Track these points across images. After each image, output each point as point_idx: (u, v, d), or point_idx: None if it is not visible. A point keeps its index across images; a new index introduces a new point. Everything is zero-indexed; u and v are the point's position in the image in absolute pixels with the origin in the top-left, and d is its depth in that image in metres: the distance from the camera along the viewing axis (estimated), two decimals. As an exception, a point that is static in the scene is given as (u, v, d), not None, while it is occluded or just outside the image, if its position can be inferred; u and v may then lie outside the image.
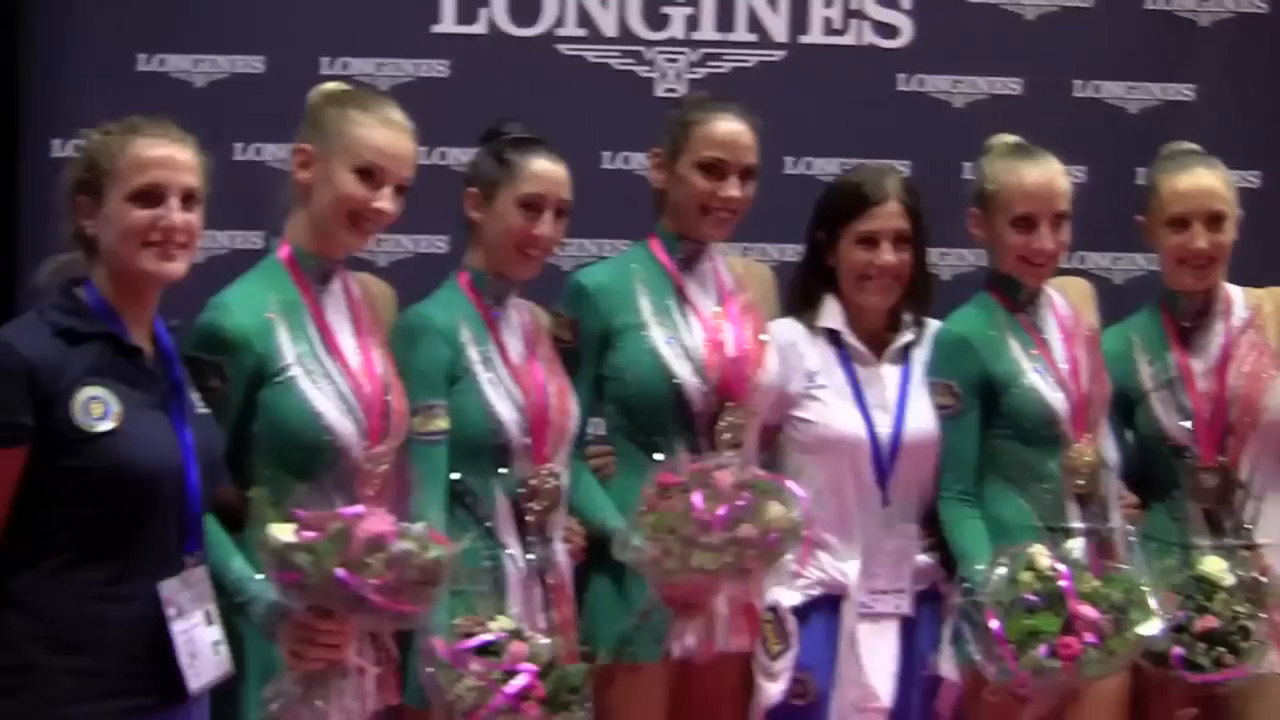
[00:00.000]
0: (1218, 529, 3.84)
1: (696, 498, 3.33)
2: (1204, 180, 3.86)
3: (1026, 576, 3.42)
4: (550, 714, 3.17)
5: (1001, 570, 3.46)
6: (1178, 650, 3.55)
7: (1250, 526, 3.85)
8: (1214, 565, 3.66)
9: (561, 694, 3.20)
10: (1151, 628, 3.42)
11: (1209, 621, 3.56)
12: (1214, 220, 3.84)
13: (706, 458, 3.47)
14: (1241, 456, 3.86)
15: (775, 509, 3.39)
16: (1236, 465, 3.86)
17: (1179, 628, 3.57)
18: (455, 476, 3.45)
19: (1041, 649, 3.34)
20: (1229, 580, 3.63)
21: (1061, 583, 3.40)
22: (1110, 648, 3.37)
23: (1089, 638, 3.35)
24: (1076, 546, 3.66)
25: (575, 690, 3.23)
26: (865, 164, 4.01)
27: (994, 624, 3.39)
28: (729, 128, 3.74)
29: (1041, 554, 3.47)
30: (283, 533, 2.88)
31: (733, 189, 3.72)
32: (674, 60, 4.40)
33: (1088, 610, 3.37)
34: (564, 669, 3.24)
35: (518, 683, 3.13)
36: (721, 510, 3.32)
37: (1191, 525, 3.84)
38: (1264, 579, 3.69)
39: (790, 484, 3.47)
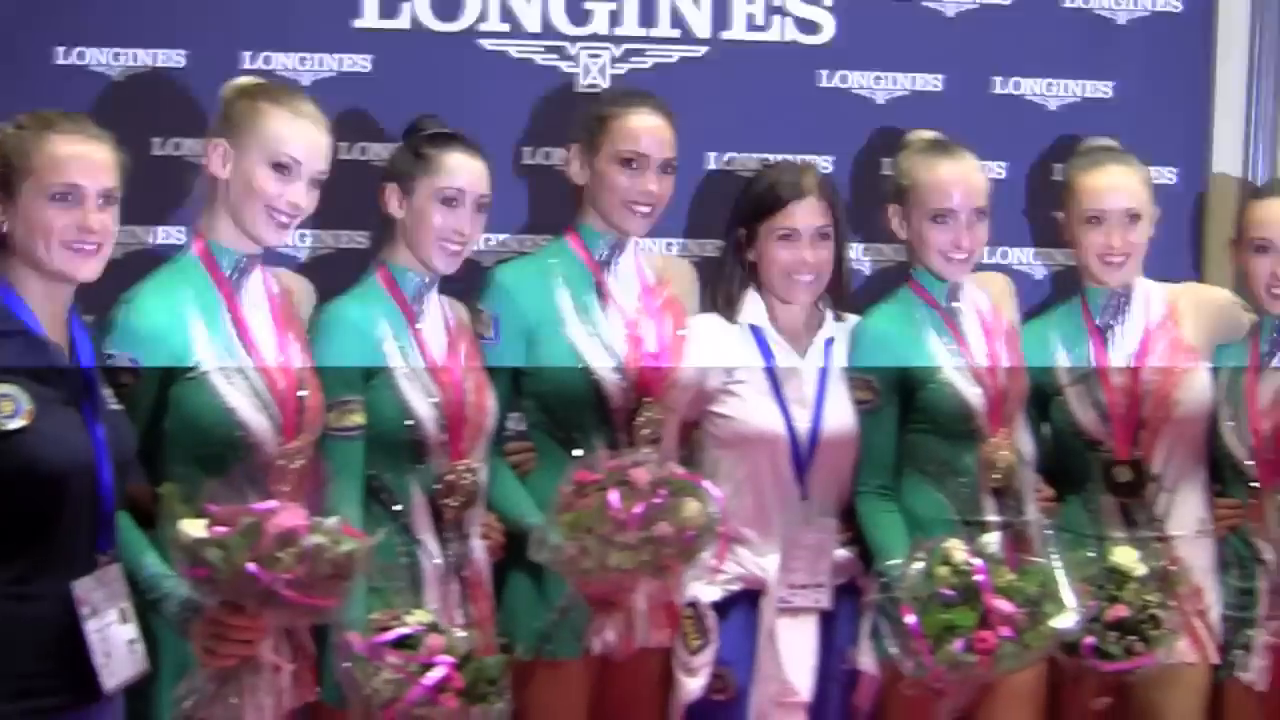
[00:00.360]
0: (1131, 521, 3.87)
1: (613, 496, 3.32)
2: (1121, 178, 3.89)
3: (942, 571, 3.44)
4: (468, 705, 3.16)
5: (918, 565, 3.48)
6: (1089, 640, 3.56)
7: (1163, 519, 3.89)
8: (1125, 556, 3.68)
9: (479, 685, 3.19)
10: (1066, 620, 3.45)
11: (1119, 611, 3.58)
12: (1130, 218, 3.87)
13: (624, 455, 3.45)
14: (1155, 450, 3.89)
15: (692, 506, 3.38)
16: (1150, 459, 3.89)
17: (1091, 618, 3.60)
18: (371, 472, 3.44)
19: (958, 644, 3.36)
20: (1140, 570, 3.65)
21: (977, 577, 3.41)
22: (1026, 641, 3.39)
23: (1005, 632, 3.37)
24: (992, 540, 3.68)
25: (493, 681, 3.23)
26: (784, 160, 4.01)
27: (910, 619, 3.41)
28: (648, 122, 3.75)
29: (957, 548, 3.48)
30: (194, 528, 2.87)
31: (651, 183, 3.72)
32: (597, 56, 4.38)
33: (1003, 604, 3.38)
34: (481, 660, 3.23)
35: (435, 674, 3.11)
36: (638, 508, 3.31)
37: (1106, 518, 3.87)
38: (1174, 568, 3.73)
39: (706, 482, 3.46)
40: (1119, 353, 3.94)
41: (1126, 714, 3.92)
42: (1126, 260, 3.89)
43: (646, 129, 3.74)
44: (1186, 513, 3.91)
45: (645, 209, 3.74)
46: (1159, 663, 3.63)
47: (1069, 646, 3.55)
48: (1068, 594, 3.50)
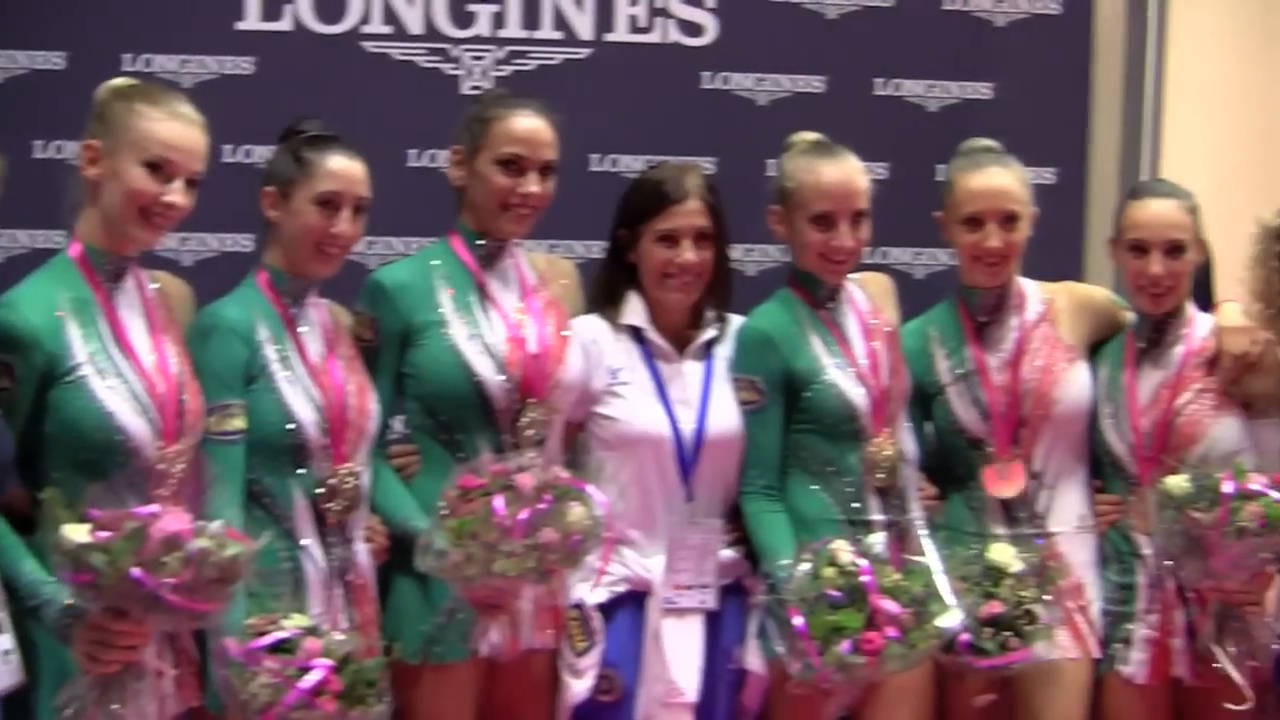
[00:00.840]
0: (1013, 518, 3.92)
1: (498, 502, 3.31)
2: (998, 180, 3.92)
3: (829, 572, 3.46)
4: (347, 708, 3.14)
5: (804, 566, 3.50)
6: (964, 636, 3.59)
7: (1044, 516, 3.93)
8: (1001, 553, 3.72)
9: (358, 687, 3.17)
10: (951, 619, 3.48)
11: (994, 607, 3.61)
12: (1008, 219, 3.90)
13: (509, 459, 3.44)
14: (1035, 448, 3.93)
15: (577, 511, 3.38)
16: (1030, 456, 3.94)
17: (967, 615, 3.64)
18: (252, 477, 3.42)
19: (845, 645, 3.37)
20: (1016, 567, 3.69)
21: (863, 578, 3.43)
22: (912, 641, 3.42)
23: (891, 632, 3.39)
24: (878, 541, 3.70)
25: (372, 684, 3.21)
26: (667, 162, 4.00)
27: (798, 620, 3.42)
28: (528, 124, 3.74)
29: (843, 549, 3.50)
30: (77, 533, 2.84)
31: (532, 185, 3.71)
32: (480, 58, 4.39)
33: (889, 605, 3.41)
34: (360, 663, 3.21)
35: (312, 678, 3.09)
36: (523, 515, 3.30)
37: (987, 515, 3.91)
38: (1053, 563, 3.77)
39: (590, 487, 3.45)
40: (998, 352, 3.98)
41: (1010, 710, 3.97)
42: (1004, 261, 3.93)
43: (528, 131, 3.73)
44: (1067, 509, 3.96)
45: (526, 210, 3.73)
46: (1034, 658, 3.66)
47: (946, 644, 3.58)
48: (948, 593, 3.54)
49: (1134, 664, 3.91)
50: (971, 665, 3.61)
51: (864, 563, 3.47)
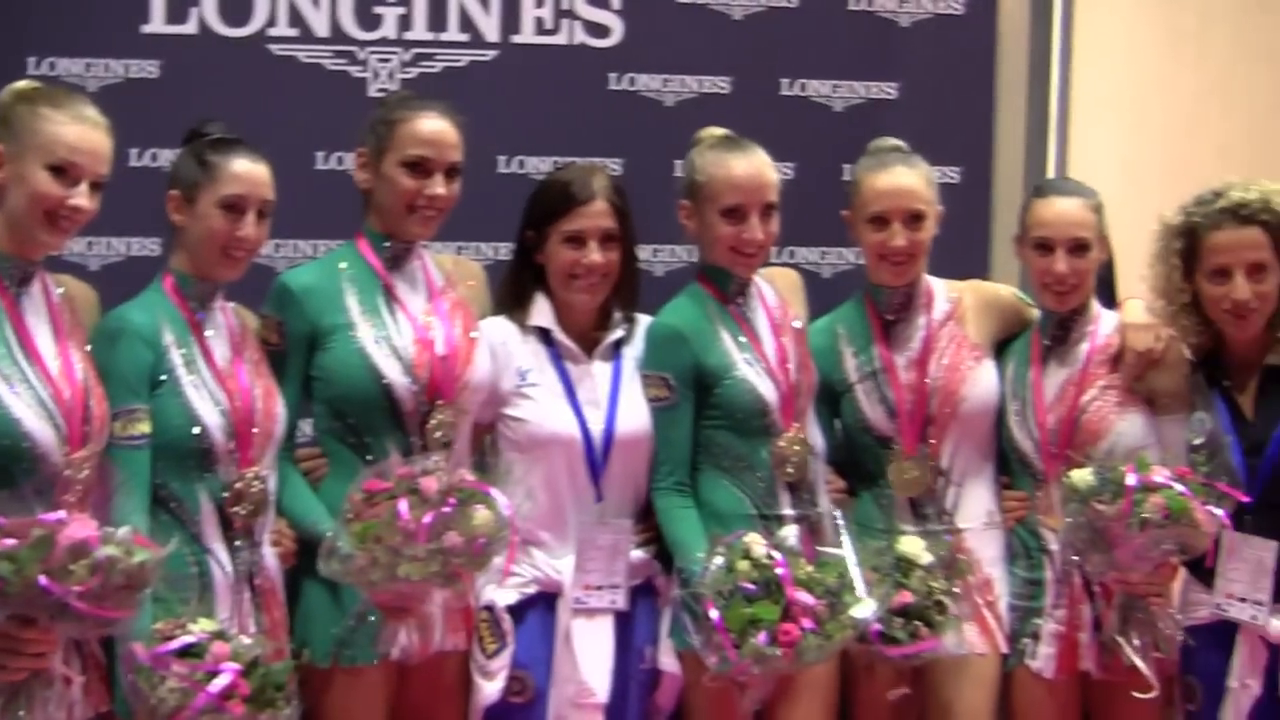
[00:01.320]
0: (921, 515, 3.95)
1: (403, 505, 3.31)
2: (904, 180, 3.95)
3: (743, 565, 3.47)
4: (255, 712, 3.14)
5: (719, 560, 3.51)
6: (875, 626, 3.61)
7: (952, 512, 3.97)
8: (911, 545, 3.75)
9: (267, 691, 3.17)
10: (864, 610, 3.50)
11: (905, 597, 3.65)
12: (913, 219, 3.93)
13: (414, 461, 3.44)
14: (943, 446, 3.97)
15: (481, 514, 3.38)
16: (938, 454, 3.97)
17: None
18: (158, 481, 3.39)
19: (761, 636, 3.38)
20: (926, 559, 3.72)
21: (778, 570, 3.45)
22: (828, 632, 3.43)
23: (806, 623, 3.40)
24: (791, 534, 3.71)
25: (280, 687, 3.20)
26: (574, 163, 4.02)
27: (713, 614, 3.43)
28: (433, 126, 3.73)
29: (757, 543, 3.52)
30: (-18, 542, 2.83)
31: (438, 187, 3.71)
32: (386, 60, 4.39)
33: (804, 596, 3.43)
34: (268, 666, 3.20)
35: (220, 682, 3.09)
36: (427, 518, 3.30)
37: (896, 512, 3.93)
38: (962, 556, 3.82)
39: (494, 490, 3.45)
40: (905, 350, 4.01)
41: (921, 705, 4.01)
42: (910, 260, 3.96)
43: (433, 133, 3.72)
44: (975, 506, 4.00)
45: (432, 212, 3.73)
46: (944, 648, 3.69)
47: (858, 634, 3.60)
48: (859, 582, 3.56)
49: (1042, 658, 3.95)
50: (883, 654, 3.63)
51: (778, 555, 3.49)
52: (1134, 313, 4.02)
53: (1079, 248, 3.92)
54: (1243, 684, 3.79)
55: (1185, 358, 3.96)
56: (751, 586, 3.44)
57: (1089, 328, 4.02)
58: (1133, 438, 3.89)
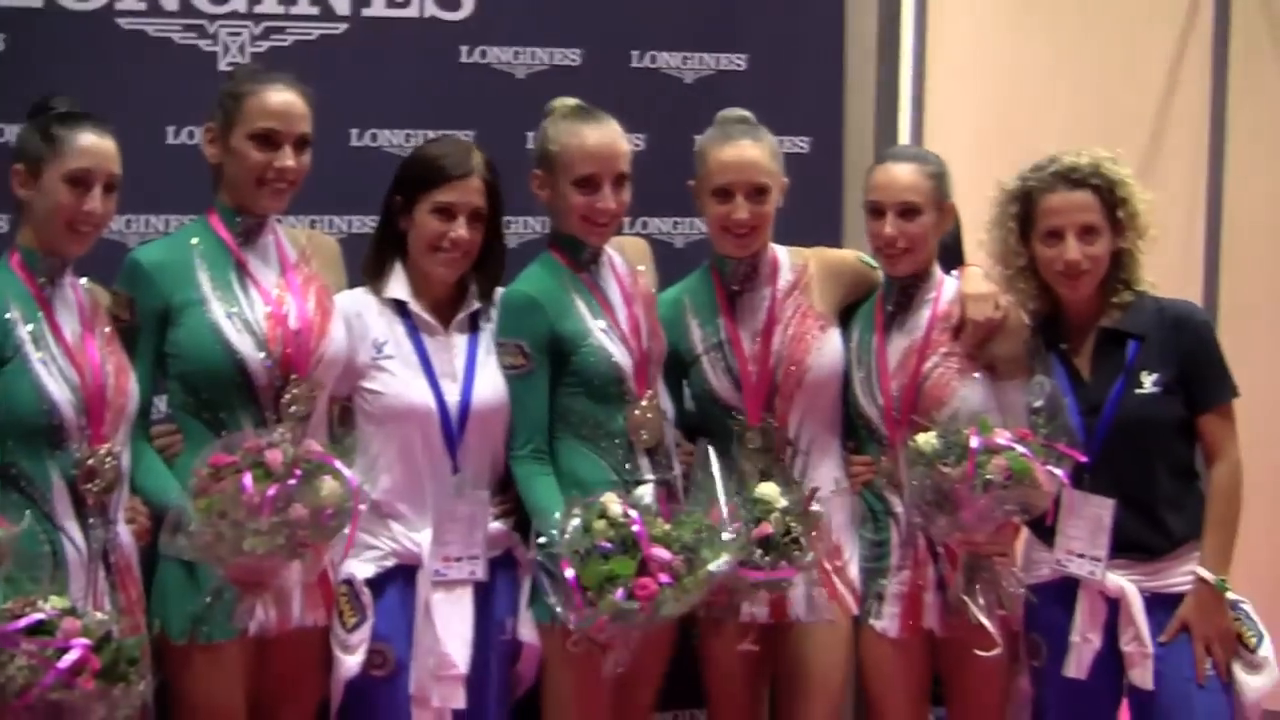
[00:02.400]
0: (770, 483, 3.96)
1: (246, 479, 3.31)
2: (748, 153, 3.98)
3: (600, 525, 3.50)
4: (107, 686, 3.13)
5: (575, 521, 3.53)
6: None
7: (800, 481, 4.00)
8: (768, 489, 3.80)
9: (119, 666, 3.15)
10: (720, 564, 3.53)
11: (765, 529, 3.71)
12: (757, 192, 3.97)
13: (261, 435, 3.43)
14: (789, 416, 4.02)
15: (328, 486, 3.39)
16: (784, 423, 4.02)
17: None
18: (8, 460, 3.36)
19: (618, 592, 3.42)
20: (782, 502, 3.78)
21: (634, 528, 3.49)
22: (684, 586, 3.48)
23: (663, 578, 3.44)
24: (647, 493, 3.78)
25: (134, 661, 3.19)
26: (449, 135, 4.02)
27: (569, 573, 3.46)
28: (280, 98, 3.71)
29: (613, 501, 3.55)
30: None
31: (287, 159, 3.69)
32: (236, 34, 4.34)
33: (660, 553, 3.46)
34: (121, 641, 3.19)
35: (70, 657, 3.07)
36: (271, 491, 3.31)
37: (745, 480, 3.92)
38: (815, 505, 3.85)
39: (339, 462, 3.46)
40: (750, 321, 4.06)
41: (773, 666, 4.10)
42: (752, 233, 4.00)
43: (281, 105, 3.70)
44: (822, 474, 4.05)
45: (282, 185, 3.71)
46: (800, 575, 3.79)
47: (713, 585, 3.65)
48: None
49: (886, 618, 4.03)
50: (743, 578, 3.67)
51: (634, 513, 3.52)
52: (973, 281, 4.09)
53: (908, 211, 3.98)
54: (1084, 638, 3.90)
55: (1024, 324, 4.04)
56: (608, 545, 3.48)
57: (931, 295, 4.09)
58: (974, 403, 3.96)
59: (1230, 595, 3.89)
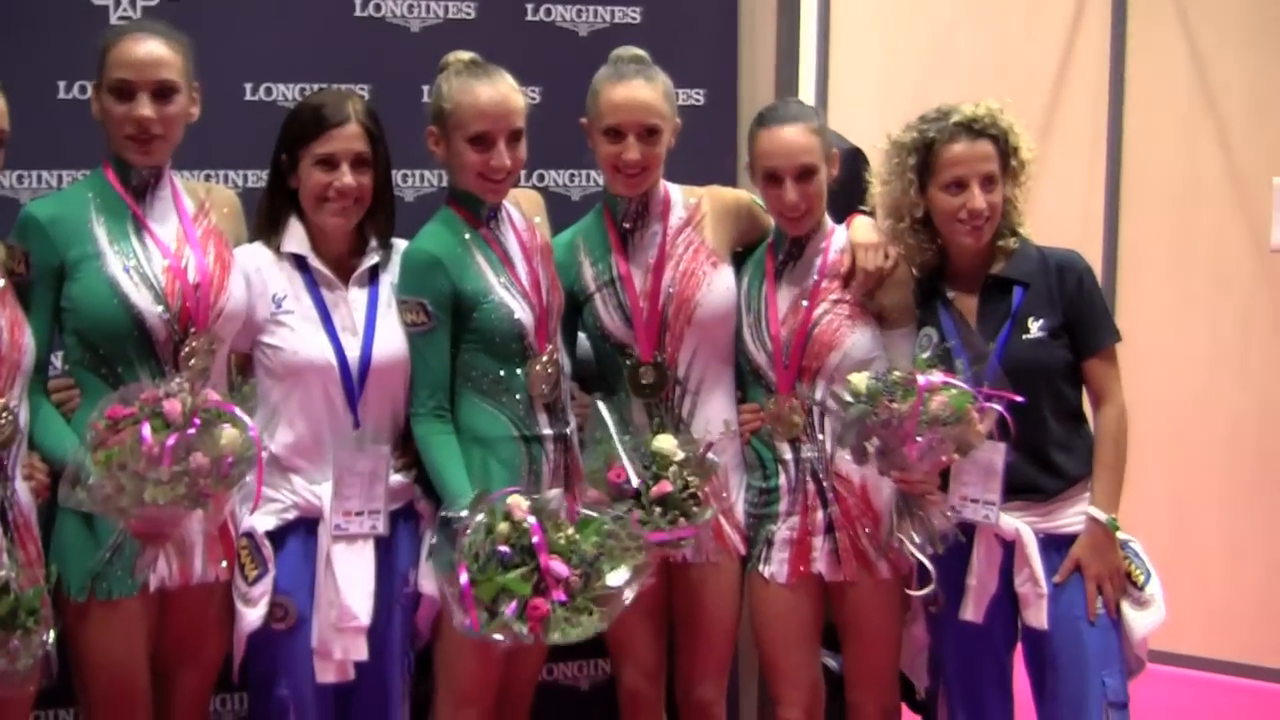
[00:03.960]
0: (659, 423, 4.04)
1: (145, 429, 3.30)
2: (640, 93, 4.00)
3: (503, 528, 3.50)
4: (7, 635, 3.15)
5: (480, 518, 3.52)
6: (636, 514, 3.73)
7: (688, 420, 4.06)
8: (665, 442, 3.86)
9: (19, 615, 3.17)
10: (618, 577, 3.53)
11: (664, 487, 3.77)
12: (648, 133, 3.99)
13: (158, 385, 3.41)
14: (679, 353, 4.06)
15: (228, 434, 3.38)
16: (674, 361, 4.06)
17: (636, 494, 3.76)
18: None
19: (510, 607, 3.43)
20: (679, 455, 3.83)
21: (533, 538, 3.49)
22: (577, 604, 3.48)
23: (558, 595, 3.45)
24: (555, 496, 3.79)
25: (34, 611, 3.20)
26: (328, 88, 3.99)
27: (463, 578, 3.46)
28: (136, 48, 3.66)
29: (519, 505, 3.54)
30: None
31: (142, 108, 3.64)
32: (129, -12, 4.31)
33: (558, 566, 3.47)
34: (20, 593, 3.21)
35: None
36: (171, 441, 3.30)
37: (634, 419, 4.01)
38: (711, 456, 3.91)
39: (239, 409, 3.46)
40: (641, 258, 4.09)
41: (669, 611, 4.17)
42: (643, 173, 4.03)
43: (132, 56, 3.65)
44: (711, 414, 4.10)
45: (146, 137, 3.66)
46: (699, 532, 3.86)
47: (619, 520, 3.69)
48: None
49: (776, 564, 4.10)
50: (644, 539, 3.70)
51: (533, 521, 3.51)
52: (863, 230, 4.13)
53: (806, 174, 4.02)
54: (980, 581, 3.98)
55: (911, 274, 4.11)
56: (507, 550, 3.48)
57: (821, 244, 4.13)
58: (862, 351, 4.03)
59: (1120, 534, 3.98)
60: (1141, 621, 3.96)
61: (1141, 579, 3.98)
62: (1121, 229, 6.43)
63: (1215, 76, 6.65)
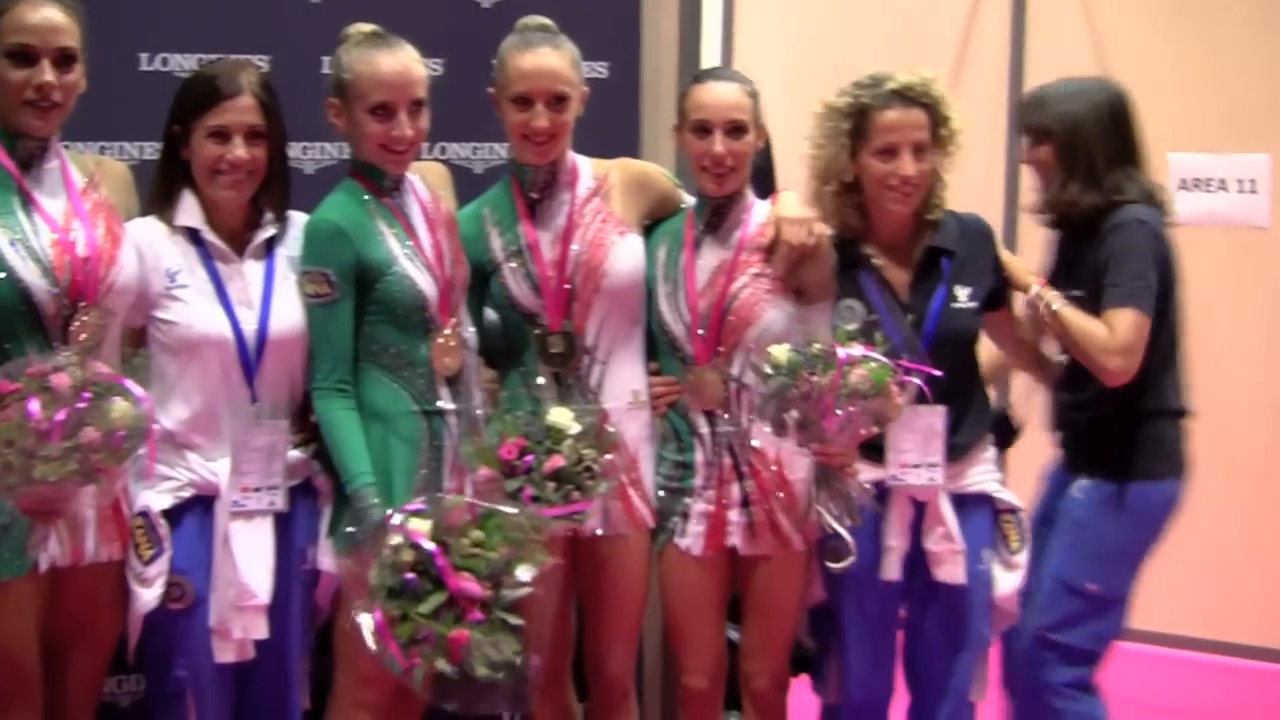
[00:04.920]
0: (566, 392, 4.01)
1: (33, 405, 3.25)
2: (548, 60, 3.98)
3: (407, 556, 3.43)
4: None
5: (387, 552, 3.44)
6: (529, 490, 3.70)
7: (597, 390, 4.05)
8: (560, 415, 3.82)
9: None
10: (527, 572, 3.48)
11: (556, 461, 3.73)
12: (557, 100, 3.97)
13: (45, 359, 3.36)
14: (588, 322, 4.04)
15: (119, 407, 3.34)
16: (582, 330, 4.04)
17: (529, 470, 3.73)
18: None
19: (429, 635, 3.37)
20: (575, 428, 3.80)
21: (438, 562, 3.42)
22: (493, 620, 3.42)
23: (474, 615, 3.40)
24: (457, 502, 3.62)
25: None
26: (223, 58, 3.93)
27: (378, 616, 3.40)
28: (34, 13, 3.58)
29: (419, 531, 3.45)
30: None
31: (45, 74, 3.56)
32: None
33: (468, 585, 3.40)
34: None
35: None
36: (60, 415, 3.24)
37: (542, 390, 3.96)
38: (610, 428, 3.89)
39: (130, 381, 3.41)
40: (549, 228, 4.07)
41: (577, 584, 4.15)
42: (552, 141, 4.00)
43: (32, 20, 3.57)
44: (620, 384, 4.08)
45: (45, 104, 3.58)
46: (592, 506, 3.84)
47: (510, 498, 3.69)
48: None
49: (690, 536, 4.10)
50: (538, 516, 3.67)
51: (432, 547, 3.42)
52: (789, 205, 4.13)
53: (735, 130, 4.03)
54: (896, 543, 4.08)
55: (831, 250, 4.12)
56: (413, 577, 3.41)
57: (743, 215, 4.14)
58: (781, 324, 4.03)
59: (1011, 500, 4.17)
60: (1005, 582, 4.15)
61: (1016, 545, 4.16)
62: (1022, 202, 6.47)
63: (1112, 53, 6.72)
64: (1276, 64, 6.50)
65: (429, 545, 3.42)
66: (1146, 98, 6.28)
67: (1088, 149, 4.24)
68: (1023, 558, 4.15)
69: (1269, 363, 6.58)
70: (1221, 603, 6.65)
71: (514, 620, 3.44)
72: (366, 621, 3.41)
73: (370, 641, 3.41)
